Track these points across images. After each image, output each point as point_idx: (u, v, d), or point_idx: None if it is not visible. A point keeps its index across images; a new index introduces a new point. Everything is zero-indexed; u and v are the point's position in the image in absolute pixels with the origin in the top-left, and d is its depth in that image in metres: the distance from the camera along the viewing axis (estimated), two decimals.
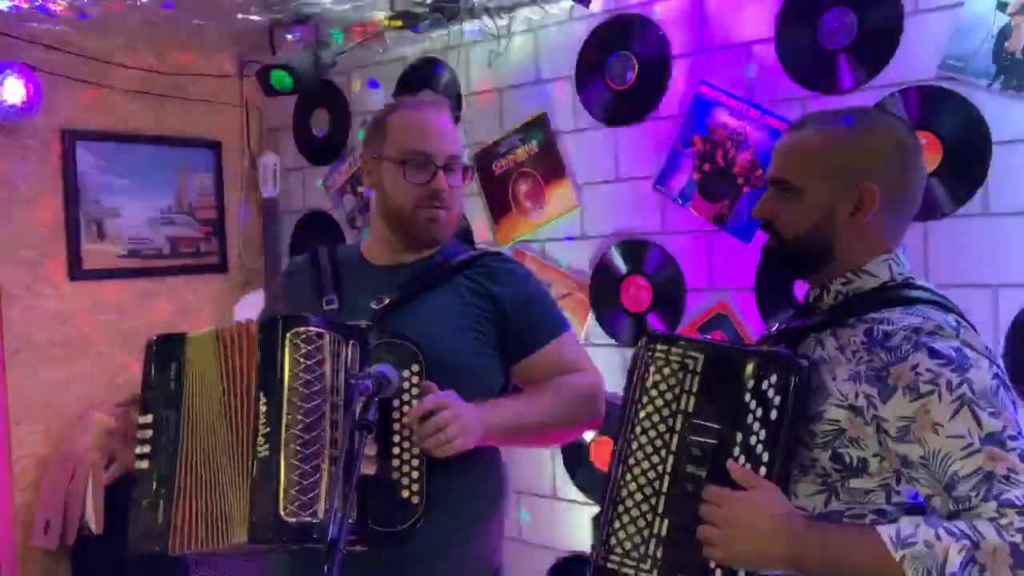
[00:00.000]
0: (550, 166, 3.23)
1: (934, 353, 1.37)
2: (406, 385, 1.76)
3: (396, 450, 1.75)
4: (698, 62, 2.90)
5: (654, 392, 1.53)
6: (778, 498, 1.40)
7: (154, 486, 1.74)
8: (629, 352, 2.92)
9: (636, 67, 3.02)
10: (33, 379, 3.58)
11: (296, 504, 1.61)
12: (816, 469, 1.46)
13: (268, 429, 1.65)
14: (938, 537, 1.29)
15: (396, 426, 1.75)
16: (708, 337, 2.78)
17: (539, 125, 3.25)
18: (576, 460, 3.18)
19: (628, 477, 1.52)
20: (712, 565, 1.42)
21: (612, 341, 3.11)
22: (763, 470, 1.42)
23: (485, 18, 3.22)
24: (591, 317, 3.15)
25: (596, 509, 1.60)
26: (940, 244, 2.45)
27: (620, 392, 1.60)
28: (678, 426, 1.50)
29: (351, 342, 1.74)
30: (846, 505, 1.45)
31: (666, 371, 1.53)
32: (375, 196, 2.01)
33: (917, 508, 1.42)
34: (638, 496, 1.50)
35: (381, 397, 1.65)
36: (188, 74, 3.96)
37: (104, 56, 3.71)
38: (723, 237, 2.86)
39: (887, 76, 2.54)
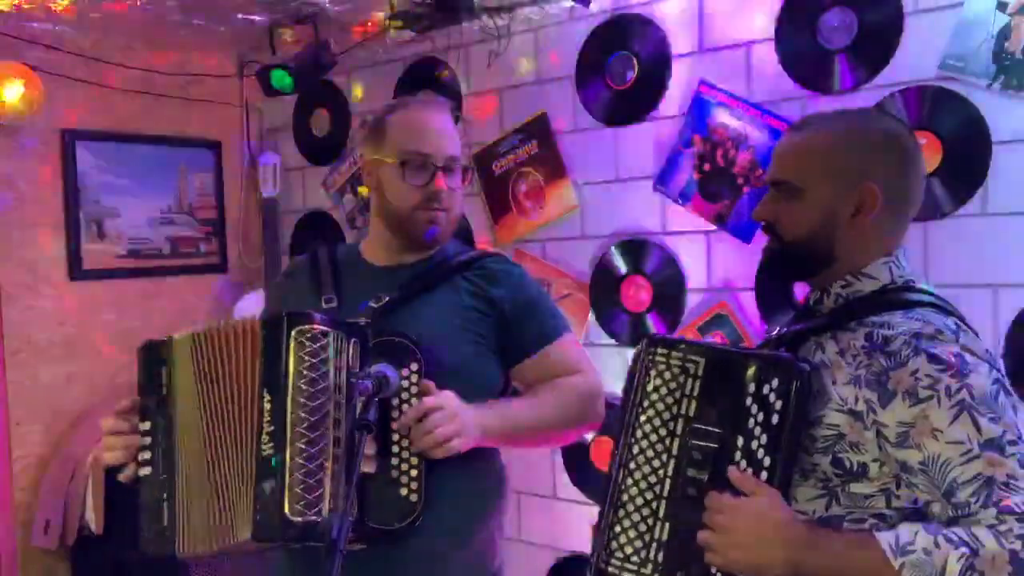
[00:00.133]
0: (550, 166, 3.23)
1: (934, 358, 1.37)
2: (405, 384, 1.76)
3: (395, 449, 1.75)
4: (698, 62, 2.90)
5: (655, 396, 1.53)
6: (779, 504, 1.40)
7: (158, 490, 1.76)
8: (629, 352, 2.92)
9: (636, 67, 3.02)
10: (33, 379, 3.58)
11: (301, 503, 1.61)
12: (816, 473, 1.46)
13: (272, 428, 1.65)
14: (937, 545, 1.29)
15: (395, 425, 1.75)
16: (709, 340, 2.79)
17: (539, 125, 3.25)
18: (576, 460, 3.18)
19: (629, 481, 1.52)
20: (713, 570, 1.42)
21: (612, 341, 3.11)
22: (764, 475, 1.42)
23: (485, 18, 3.22)
24: (591, 317, 3.15)
25: (596, 509, 1.60)
26: (940, 244, 2.45)
27: (620, 392, 1.60)
28: (679, 430, 1.50)
29: (352, 340, 1.74)
30: (846, 510, 1.45)
31: (667, 375, 1.53)
32: (374, 197, 2.01)
33: (917, 513, 1.42)
34: (639, 500, 1.50)
35: (380, 397, 1.65)
36: (188, 74, 3.96)
37: (104, 56, 3.71)
38: (723, 237, 2.86)
39: (887, 76, 2.54)
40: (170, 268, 3.95)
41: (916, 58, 2.49)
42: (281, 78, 3.42)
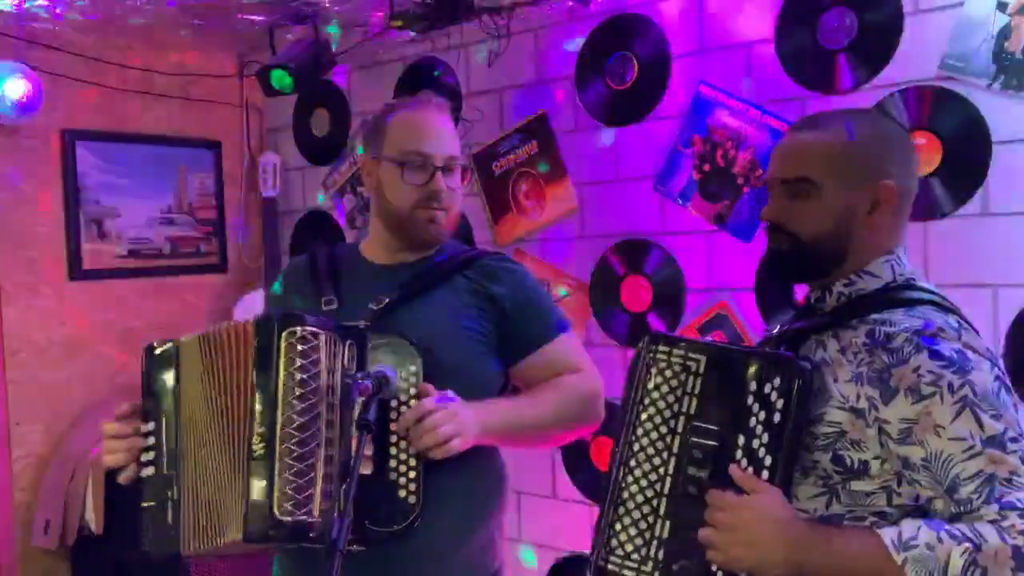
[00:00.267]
0: (550, 166, 3.23)
1: (936, 355, 1.37)
2: (404, 385, 1.76)
3: (393, 450, 1.75)
4: (698, 62, 2.90)
5: (655, 394, 1.53)
6: (780, 502, 1.40)
7: (161, 491, 1.77)
8: (629, 352, 2.93)
9: (636, 67, 3.02)
10: (33, 379, 3.58)
11: (291, 503, 1.62)
12: (817, 471, 1.46)
13: (263, 428, 1.66)
14: (940, 540, 1.30)
15: (393, 427, 1.76)
16: (710, 339, 2.79)
17: (539, 125, 3.25)
18: (576, 460, 3.18)
19: (629, 479, 1.52)
20: (713, 568, 1.41)
21: (612, 341, 3.11)
22: (765, 473, 1.41)
23: (485, 18, 3.22)
24: (591, 317, 3.15)
25: (596, 509, 1.60)
26: (940, 244, 2.45)
27: (620, 393, 1.60)
28: (680, 428, 1.50)
29: (348, 342, 1.75)
30: (847, 507, 1.45)
31: (668, 373, 1.52)
32: (374, 197, 2.01)
33: (919, 510, 1.42)
34: (639, 498, 1.50)
35: (380, 397, 1.65)
36: (188, 74, 3.96)
37: (104, 56, 3.71)
38: (723, 237, 2.86)
39: (887, 76, 2.54)
40: (170, 268, 3.96)
41: (916, 58, 2.49)
42: (281, 78, 3.42)
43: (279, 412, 1.65)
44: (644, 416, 1.53)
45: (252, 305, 3.78)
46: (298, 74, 3.40)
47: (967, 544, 1.28)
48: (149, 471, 1.78)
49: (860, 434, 1.42)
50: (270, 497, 1.62)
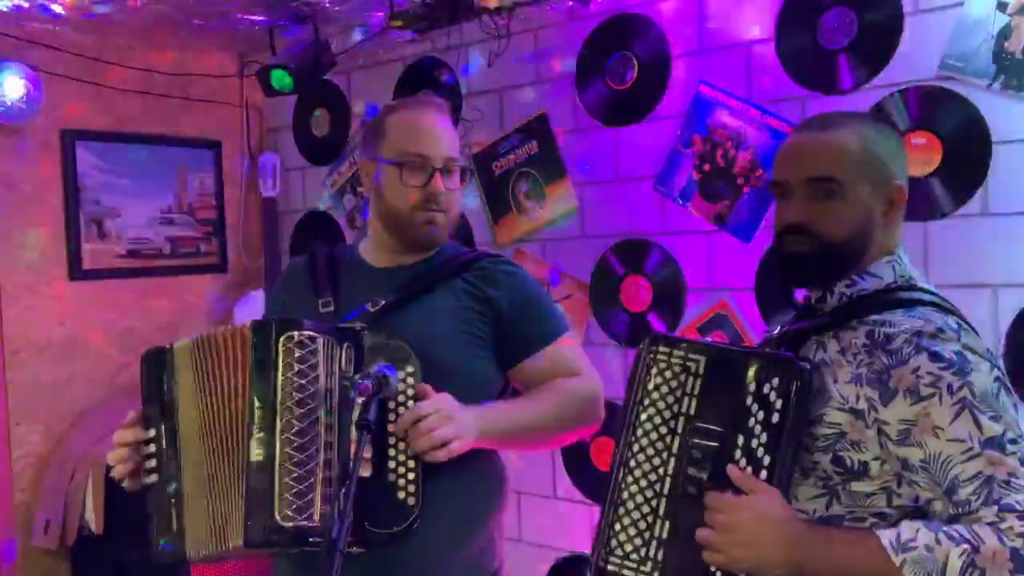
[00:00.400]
0: (550, 166, 3.23)
1: (935, 356, 1.37)
2: (402, 387, 1.76)
3: (392, 452, 1.75)
4: (698, 62, 2.90)
5: (655, 394, 1.53)
6: (779, 503, 1.40)
7: (165, 497, 1.77)
8: (629, 352, 2.93)
9: (636, 67, 3.02)
10: (33, 379, 3.58)
11: (292, 508, 1.63)
12: (817, 472, 1.46)
13: (262, 434, 1.66)
14: (938, 541, 1.30)
15: (392, 428, 1.75)
16: (710, 339, 2.79)
17: (539, 125, 3.25)
18: (576, 460, 3.18)
19: (629, 479, 1.52)
20: (712, 569, 1.41)
21: (612, 341, 3.11)
22: (764, 474, 1.42)
23: (485, 18, 3.22)
24: (591, 317, 3.15)
25: (596, 509, 1.60)
26: (940, 244, 2.45)
27: (620, 393, 1.60)
28: (679, 428, 1.50)
29: (345, 345, 1.74)
30: (847, 508, 1.45)
31: (668, 373, 1.53)
32: (373, 198, 2.00)
33: (918, 511, 1.42)
34: (639, 498, 1.50)
35: (380, 397, 1.65)
36: (188, 74, 3.96)
37: (104, 56, 3.71)
38: (723, 237, 2.86)
39: (887, 76, 2.54)
40: (170, 268, 3.96)
41: (916, 58, 2.49)
42: (281, 78, 3.42)
43: (278, 417, 1.66)
44: (644, 417, 1.53)
45: (252, 305, 3.78)
46: (298, 74, 3.40)
47: (965, 546, 1.29)
48: (152, 478, 1.79)
49: (860, 435, 1.42)
50: (271, 503, 1.62)
